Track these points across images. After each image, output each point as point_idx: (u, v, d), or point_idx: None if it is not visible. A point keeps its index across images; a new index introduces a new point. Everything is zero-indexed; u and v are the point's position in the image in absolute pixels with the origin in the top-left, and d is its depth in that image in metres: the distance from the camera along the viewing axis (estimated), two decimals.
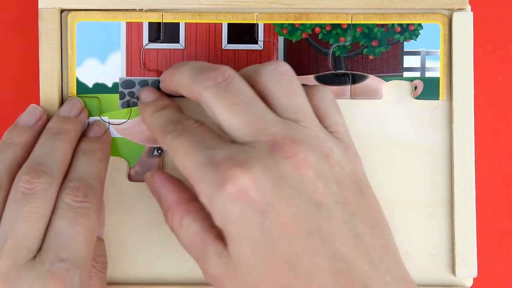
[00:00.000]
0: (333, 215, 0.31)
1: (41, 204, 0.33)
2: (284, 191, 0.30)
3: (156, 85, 0.40)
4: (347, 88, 0.40)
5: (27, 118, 0.38)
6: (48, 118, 0.39)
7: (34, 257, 0.33)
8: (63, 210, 0.34)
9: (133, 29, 0.40)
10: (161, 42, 0.40)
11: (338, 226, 0.30)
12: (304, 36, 0.40)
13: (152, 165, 0.40)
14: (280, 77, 0.34)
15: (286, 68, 0.34)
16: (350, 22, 0.40)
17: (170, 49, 0.40)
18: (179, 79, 0.35)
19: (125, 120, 0.40)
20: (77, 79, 0.40)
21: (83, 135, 0.39)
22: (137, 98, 0.38)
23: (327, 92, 0.36)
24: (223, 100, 0.32)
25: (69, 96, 0.39)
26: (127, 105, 0.40)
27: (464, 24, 0.39)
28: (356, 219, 0.31)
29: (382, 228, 0.32)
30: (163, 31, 0.40)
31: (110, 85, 0.40)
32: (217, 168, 0.30)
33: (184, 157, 0.32)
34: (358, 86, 0.40)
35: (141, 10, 0.40)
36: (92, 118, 0.40)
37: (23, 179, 0.33)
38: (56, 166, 0.35)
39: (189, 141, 0.32)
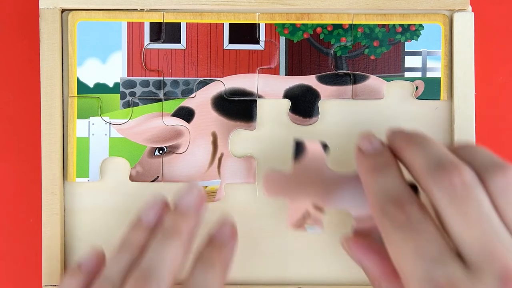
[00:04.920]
0: None
1: None
2: None
3: (157, 85, 0.40)
4: (348, 88, 0.40)
5: (149, 214, 0.36)
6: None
7: None
8: None
9: (134, 29, 0.40)
10: (162, 42, 0.40)
11: None
12: (305, 36, 0.40)
13: (153, 165, 0.40)
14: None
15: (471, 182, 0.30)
16: (351, 23, 0.40)
17: (171, 49, 0.40)
18: (411, 158, 0.32)
19: (126, 120, 0.40)
20: (78, 79, 0.40)
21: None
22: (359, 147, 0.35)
23: None
24: (459, 207, 0.30)
25: (188, 182, 0.36)
26: (128, 105, 0.40)
27: (465, 25, 0.40)
28: None
29: None
30: (164, 31, 0.40)
31: (111, 85, 0.40)
32: None
33: (401, 257, 0.30)
34: (359, 86, 0.40)
35: (142, 10, 0.40)
36: (92, 118, 0.40)
37: (132, 284, 0.32)
38: (165, 276, 0.32)
39: (412, 245, 0.30)
